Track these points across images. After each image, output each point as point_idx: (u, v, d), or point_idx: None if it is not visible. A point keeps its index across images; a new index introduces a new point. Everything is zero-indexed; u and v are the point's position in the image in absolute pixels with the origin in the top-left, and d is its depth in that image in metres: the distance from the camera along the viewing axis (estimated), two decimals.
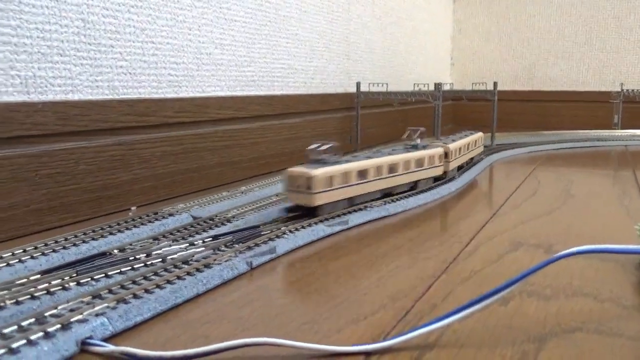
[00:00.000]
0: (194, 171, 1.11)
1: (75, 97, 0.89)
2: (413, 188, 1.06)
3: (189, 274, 0.60)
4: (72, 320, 0.48)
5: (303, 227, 0.79)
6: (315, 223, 0.82)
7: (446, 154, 1.16)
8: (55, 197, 0.86)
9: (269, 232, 0.75)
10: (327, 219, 0.84)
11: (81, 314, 0.49)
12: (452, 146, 1.18)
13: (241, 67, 1.26)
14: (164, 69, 1.06)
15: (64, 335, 0.46)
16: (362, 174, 0.92)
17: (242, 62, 1.27)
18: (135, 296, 0.54)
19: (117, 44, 0.96)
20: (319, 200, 0.83)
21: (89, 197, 0.91)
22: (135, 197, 0.99)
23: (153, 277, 0.59)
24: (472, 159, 1.41)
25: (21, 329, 0.46)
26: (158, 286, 0.57)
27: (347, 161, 0.91)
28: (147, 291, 0.55)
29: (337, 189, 0.86)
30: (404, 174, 1.02)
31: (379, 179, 0.96)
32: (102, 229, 0.78)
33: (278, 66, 1.40)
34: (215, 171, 1.16)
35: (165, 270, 0.61)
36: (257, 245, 0.71)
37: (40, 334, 0.46)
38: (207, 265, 0.63)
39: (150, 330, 0.51)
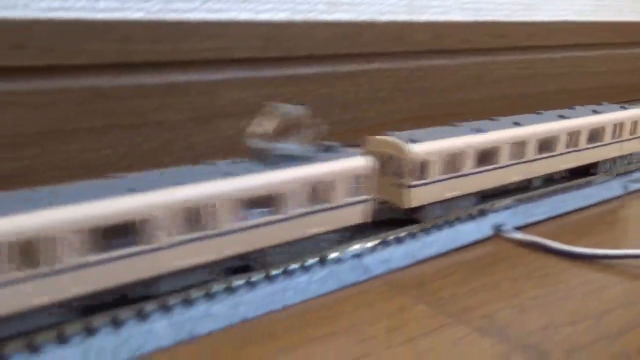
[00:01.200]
0: (538, 95, 1.13)
1: (447, 18, 0.97)
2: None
3: (577, 187, 0.64)
4: (486, 209, 0.56)
5: None
6: None
7: (410, 168, 0.50)
8: (422, 108, 0.96)
9: None
10: None
11: (492, 205, 0.57)
12: (430, 147, 0.51)
13: None
14: None
15: (483, 220, 0.55)
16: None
17: None
18: (530, 199, 0.60)
19: None
20: None
21: (446, 110, 1.00)
22: (482, 115, 1.05)
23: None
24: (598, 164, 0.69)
25: None
26: (547, 194, 0.62)
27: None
28: (539, 196, 0.61)
29: None
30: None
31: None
32: None
33: None
34: (559, 97, 1.16)
35: (546, 181, 0.66)
36: (633, 171, 0.71)
37: (464, 215, 0.55)
38: (588, 183, 0.66)
39: (547, 229, 0.57)
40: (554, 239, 0.53)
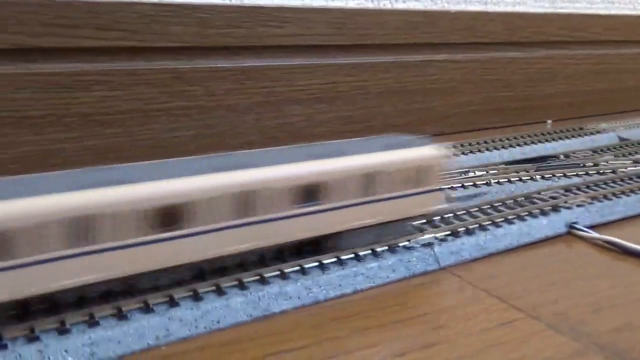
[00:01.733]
0: (612, 92, 1.09)
1: (521, 9, 0.95)
2: None
3: None
4: (559, 205, 0.55)
5: None
6: None
7: None
8: (491, 101, 0.95)
9: None
10: None
11: (566, 201, 0.56)
12: None
13: None
14: None
15: (556, 216, 0.54)
16: None
17: None
18: (605, 197, 0.59)
19: None
20: None
21: (516, 105, 0.98)
22: (553, 111, 1.03)
23: (614, 184, 0.63)
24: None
25: (517, 203, 0.56)
26: (623, 193, 0.60)
27: None
28: (615, 195, 0.59)
29: None
30: None
31: None
32: (529, 136, 0.84)
33: None
34: (634, 94, 1.11)
35: (622, 180, 0.64)
36: None
37: (537, 210, 0.54)
38: None
39: (622, 229, 0.55)
40: (628, 239, 0.52)
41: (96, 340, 0.34)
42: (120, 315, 0.35)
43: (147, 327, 0.35)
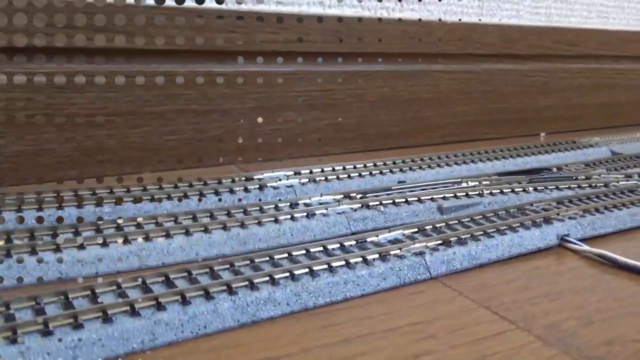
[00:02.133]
0: (605, 107, 1.09)
1: (517, 22, 0.95)
2: None
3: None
4: (551, 217, 0.55)
5: None
6: None
7: None
8: (485, 112, 0.95)
9: None
10: None
11: (558, 214, 0.56)
12: None
13: None
14: None
15: (547, 228, 0.54)
16: None
17: None
18: (597, 211, 0.59)
19: None
20: None
21: (510, 117, 0.98)
22: (547, 124, 1.03)
23: (606, 198, 0.63)
24: None
25: (509, 214, 0.56)
26: (615, 207, 0.60)
27: None
28: (606, 209, 0.59)
29: None
30: None
31: None
32: (522, 148, 0.84)
33: None
34: (627, 109, 1.12)
35: (614, 194, 0.64)
36: None
37: (529, 222, 0.54)
38: None
39: (613, 243, 0.55)
40: (619, 253, 0.52)
41: (79, 343, 0.33)
42: (105, 318, 0.35)
43: (132, 331, 0.35)
